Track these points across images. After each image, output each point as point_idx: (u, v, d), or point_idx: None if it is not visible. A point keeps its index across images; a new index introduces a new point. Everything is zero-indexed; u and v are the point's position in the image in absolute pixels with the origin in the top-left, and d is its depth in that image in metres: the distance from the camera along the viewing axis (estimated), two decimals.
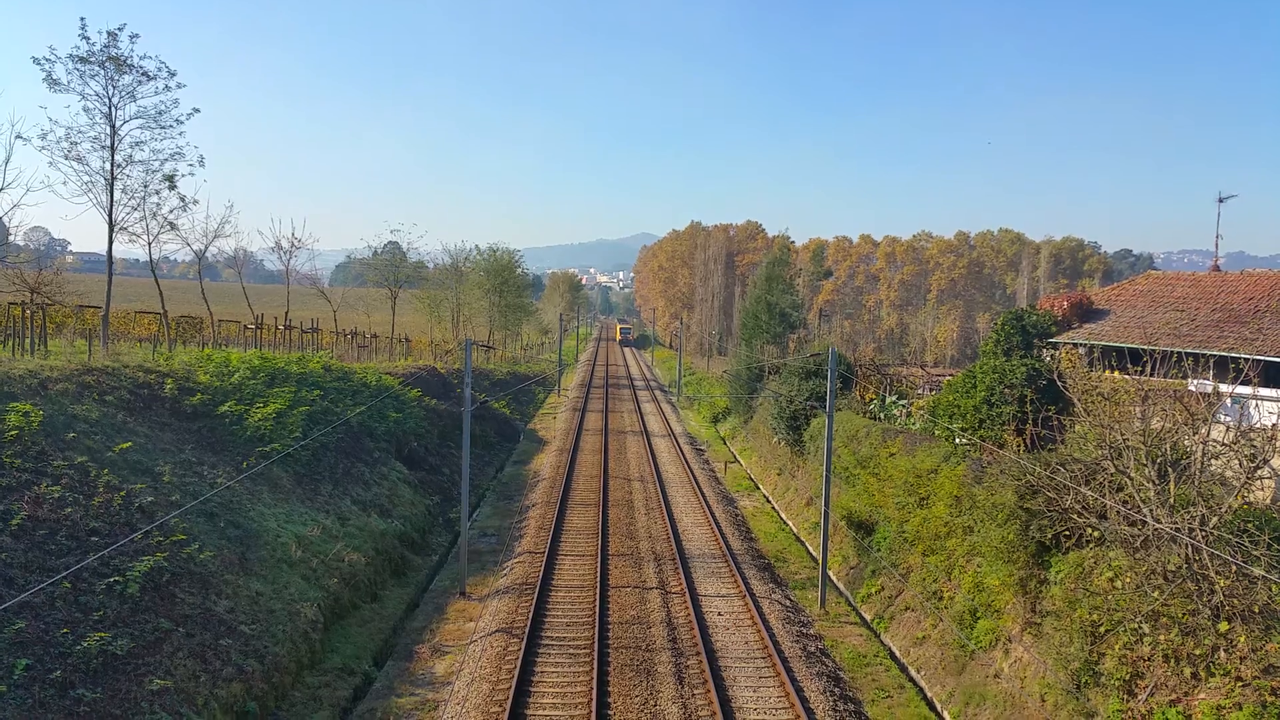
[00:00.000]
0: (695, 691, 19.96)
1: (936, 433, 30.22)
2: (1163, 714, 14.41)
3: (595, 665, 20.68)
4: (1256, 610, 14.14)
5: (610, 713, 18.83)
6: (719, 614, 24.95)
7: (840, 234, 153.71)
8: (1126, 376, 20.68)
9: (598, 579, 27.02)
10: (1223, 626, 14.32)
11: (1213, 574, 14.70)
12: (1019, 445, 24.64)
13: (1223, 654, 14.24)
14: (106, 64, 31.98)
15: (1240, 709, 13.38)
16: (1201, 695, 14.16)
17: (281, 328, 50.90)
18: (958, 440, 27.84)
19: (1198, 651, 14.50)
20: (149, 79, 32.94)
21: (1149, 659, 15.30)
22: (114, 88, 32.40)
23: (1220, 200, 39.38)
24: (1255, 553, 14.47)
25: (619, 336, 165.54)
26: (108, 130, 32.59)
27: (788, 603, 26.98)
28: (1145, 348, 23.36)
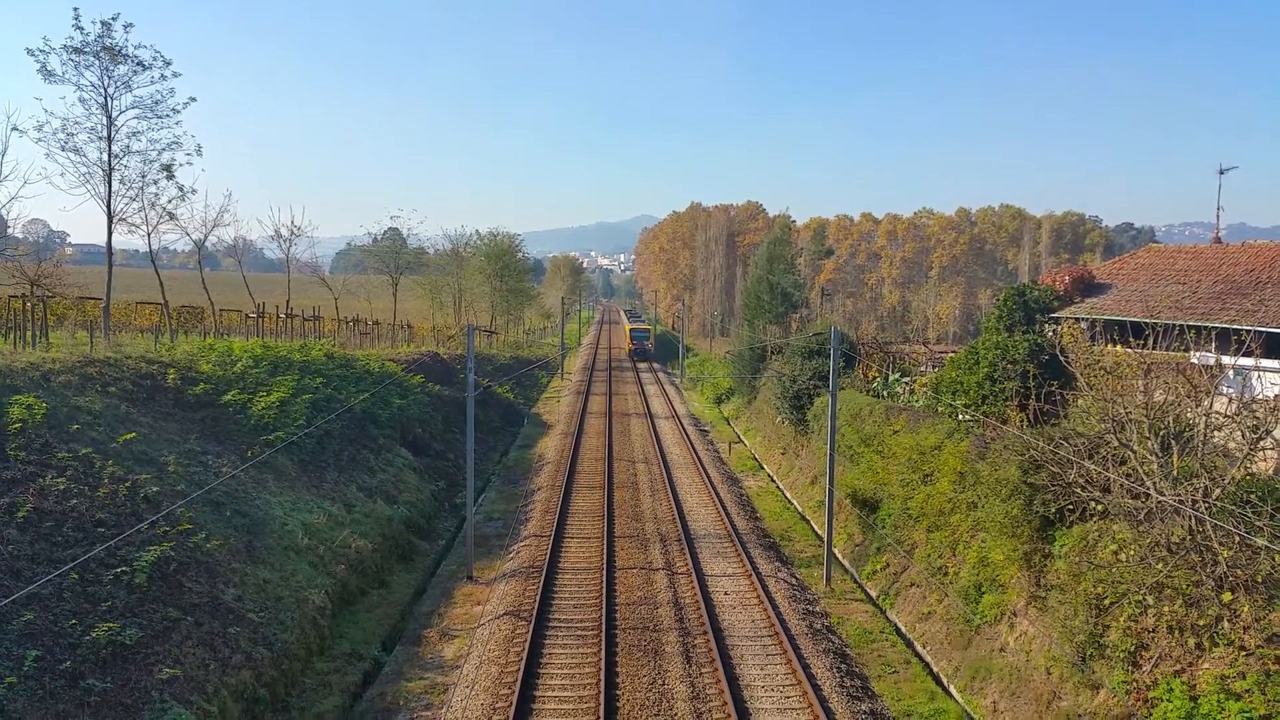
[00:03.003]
0: (703, 670, 20.08)
1: (940, 409, 30.21)
2: (1167, 684, 14.47)
3: (603, 646, 20.79)
4: (1259, 580, 14.18)
5: (619, 692, 18.95)
6: (725, 593, 25.05)
7: (841, 212, 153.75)
8: (1129, 350, 20.66)
9: (604, 561, 27.12)
10: (1226, 597, 14.36)
11: (1216, 545, 14.72)
12: (1022, 420, 24.63)
13: (1226, 624, 14.29)
14: (101, 54, 31.81)
15: (1244, 678, 13.44)
16: (1205, 665, 14.22)
17: (283, 316, 50.92)
18: (961, 417, 27.85)
19: (1202, 622, 14.55)
20: (144, 68, 32.80)
21: (1153, 630, 15.37)
22: (109, 78, 32.26)
23: (1221, 172, 39.14)
24: (1258, 523, 14.49)
25: (629, 343, 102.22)
26: (104, 121, 32.47)
27: (793, 581, 27.08)
28: (1147, 321, 23.33)
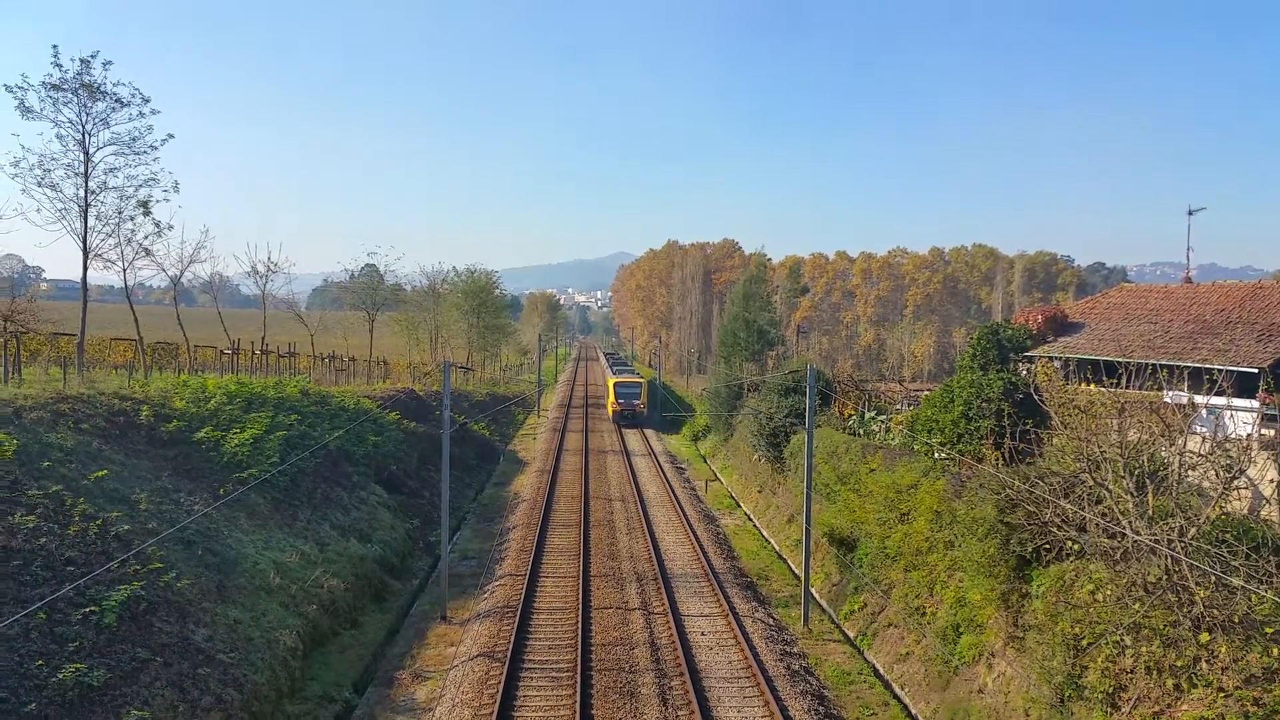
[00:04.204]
0: (679, 712, 19.87)
1: (916, 448, 30.34)
2: None
3: (578, 688, 20.54)
4: (1236, 620, 14.25)
5: None
6: (702, 634, 24.86)
7: (816, 251, 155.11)
8: (1102, 389, 20.89)
9: (580, 601, 26.88)
10: (1204, 637, 14.41)
11: (1192, 585, 14.81)
12: (997, 459, 24.76)
13: (1204, 665, 14.32)
14: (79, 91, 31.70)
15: None
16: (1184, 707, 14.23)
17: (258, 352, 50.50)
18: (937, 455, 27.97)
19: (1179, 663, 14.58)
20: (122, 105, 32.70)
21: (1131, 671, 15.38)
22: (87, 114, 32.12)
23: (1191, 213, 40.04)
24: (1234, 563, 14.60)
25: (613, 401, 74.01)
26: (81, 157, 32.28)
27: (771, 621, 26.94)
28: (1120, 360, 23.62)
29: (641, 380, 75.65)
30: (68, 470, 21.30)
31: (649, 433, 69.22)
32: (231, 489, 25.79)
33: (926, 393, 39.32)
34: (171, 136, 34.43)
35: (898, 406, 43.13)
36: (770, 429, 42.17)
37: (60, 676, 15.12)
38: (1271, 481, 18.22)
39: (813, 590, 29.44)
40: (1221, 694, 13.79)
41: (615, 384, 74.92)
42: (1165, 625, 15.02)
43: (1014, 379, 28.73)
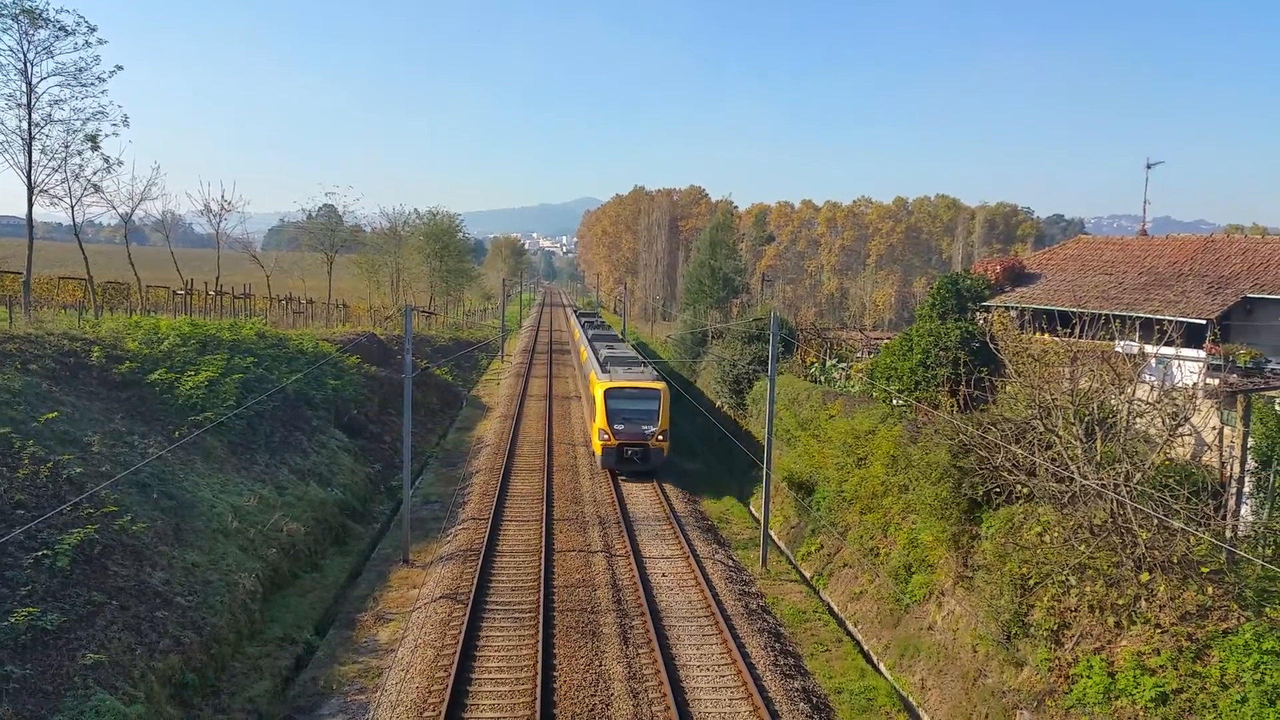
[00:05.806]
0: (640, 651, 20.22)
1: (874, 395, 30.76)
2: (1088, 662, 15.00)
3: (540, 628, 20.80)
4: (1175, 560, 14.76)
5: (556, 674, 18.99)
6: (663, 575, 25.23)
7: (782, 199, 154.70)
8: (1056, 338, 21.24)
9: (543, 543, 27.10)
10: (1144, 577, 14.91)
11: (1136, 527, 15.27)
12: (953, 406, 25.21)
13: (1144, 603, 14.85)
14: (20, 17, 30.56)
15: (1158, 654, 13.99)
16: (1124, 643, 14.77)
17: (212, 293, 49.65)
18: (894, 402, 28.39)
19: (1121, 601, 15.10)
20: (67, 34, 31.57)
21: (1075, 609, 15.89)
22: (29, 42, 31.03)
23: (1148, 167, 40.42)
24: (1175, 506, 15.07)
25: (603, 425, 35.17)
26: (23, 87, 31.27)
27: (730, 563, 27.39)
28: (1075, 310, 23.97)
29: (659, 386, 37.36)
30: (16, 412, 20.90)
31: None
32: (187, 432, 25.46)
33: (886, 341, 39.74)
34: (120, 68, 33.41)
35: (858, 354, 43.58)
36: (734, 376, 42.49)
37: (12, 620, 14.99)
38: (1213, 429, 18.74)
39: (771, 533, 29.93)
40: (1158, 630, 14.32)
41: (607, 391, 36.48)
42: (1109, 566, 15.51)
43: (971, 328, 29.13)
